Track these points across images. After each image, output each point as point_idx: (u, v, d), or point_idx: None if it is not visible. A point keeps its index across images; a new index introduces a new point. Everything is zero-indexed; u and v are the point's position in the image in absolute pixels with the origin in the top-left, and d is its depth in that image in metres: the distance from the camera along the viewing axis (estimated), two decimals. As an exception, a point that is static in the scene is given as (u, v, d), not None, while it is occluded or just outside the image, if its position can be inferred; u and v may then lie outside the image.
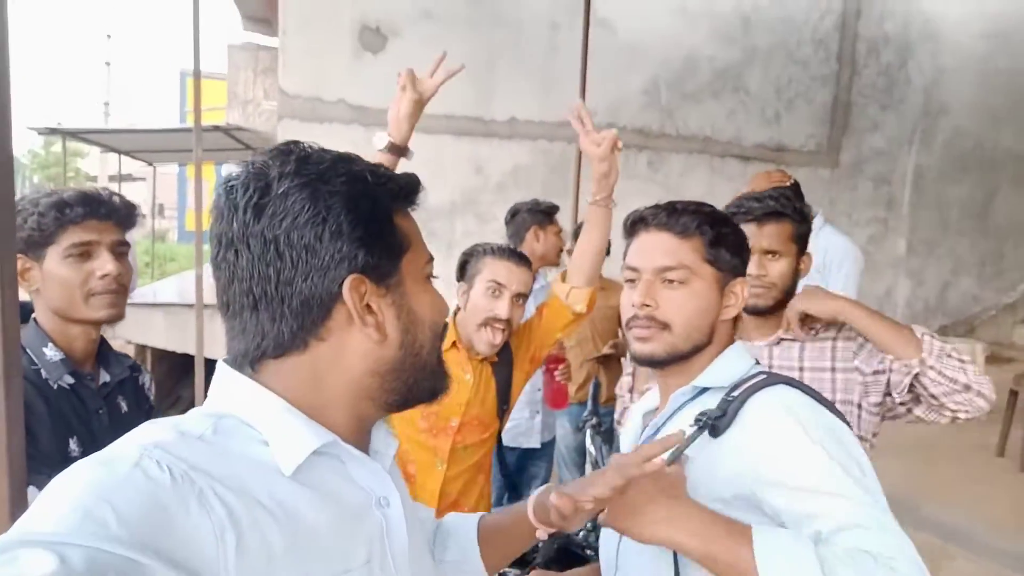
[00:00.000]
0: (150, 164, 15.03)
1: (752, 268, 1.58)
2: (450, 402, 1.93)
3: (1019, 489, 3.83)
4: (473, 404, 1.97)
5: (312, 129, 6.19)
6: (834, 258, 3.26)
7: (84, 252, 1.43)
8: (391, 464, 0.85)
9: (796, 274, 1.72)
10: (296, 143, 0.77)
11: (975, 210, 8.14)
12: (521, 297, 2.00)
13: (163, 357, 5.92)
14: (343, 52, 6.21)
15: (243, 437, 0.71)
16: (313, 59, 6.23)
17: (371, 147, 6.36)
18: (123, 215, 1.49)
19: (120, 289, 1.47)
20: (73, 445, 1.40)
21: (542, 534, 1.03)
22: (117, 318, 1.48)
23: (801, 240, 1.73)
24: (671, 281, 1.18)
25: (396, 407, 0.82)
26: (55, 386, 1.41)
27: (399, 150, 1.87)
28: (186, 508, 0.61)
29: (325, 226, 0.72)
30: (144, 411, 1.62)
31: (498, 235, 3.50)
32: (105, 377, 1.52)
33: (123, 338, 5.98)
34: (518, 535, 1.08)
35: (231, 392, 0.75)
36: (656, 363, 1.22)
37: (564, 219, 5.74)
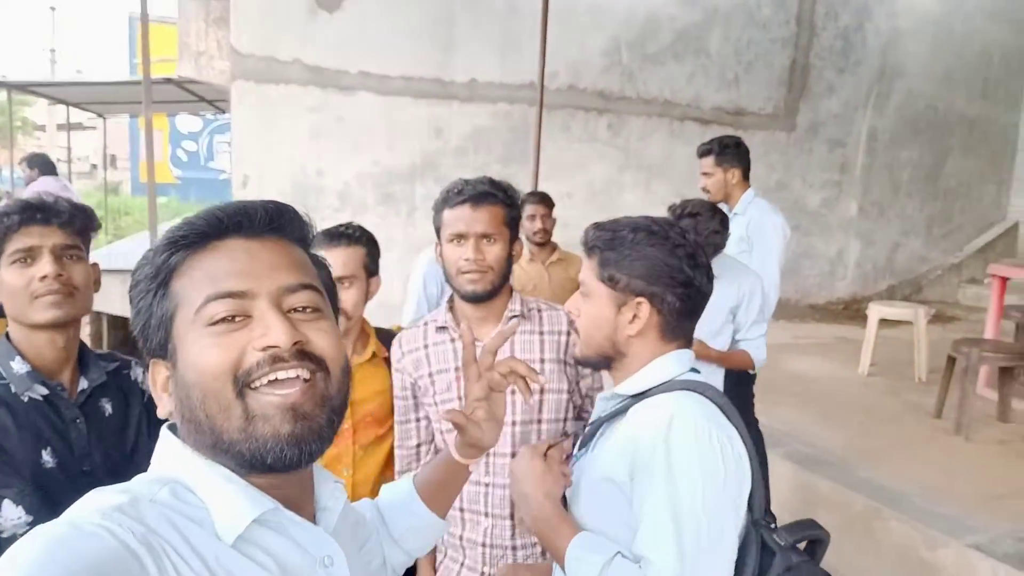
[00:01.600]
0: (100, 116, 14.55)
1: (469, 252, 1.69)
2: None
3: (953, 451, 4.03)
4: (361, 403, 1.97)
5: (267, 90, 6.08)
6: (756, 231, 3.42)
7: (26, 257, 1.44)
8: (341, 511, 0.86)
9: (510, 259, 1.76)
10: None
11: (925, 172, 8.35)
12: (345, 280, 1.97)
13: (120, 325, 5.86)
14: (298, 9, 6.06)
15: (188, 503, 0.72)
16: (267, 16, 6.07)
17: (330, 110, 6.22)
18: (67, 219, 1.48)
19: (64, 290, 1.45)
20: (47, 456, 1.41)
21: (474, 466, 1.17)
22: (64, 319, 1.46)
23: (513, 224, 1.75)
24: (583, 295, 1.35)
25: (247, 471, 0.75)
26: (25, 398, 1.42)
27: None
28: (146, 571, 0.63)
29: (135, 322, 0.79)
30: (138, 405, 1.61)
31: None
32: (83, 384, 1.51)
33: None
34: (455, 479, 1.16)
35: (174, 459, 0.76)
36: (577, 363, 1.46)
37: (524, 183, 5.79)
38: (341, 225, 1.97)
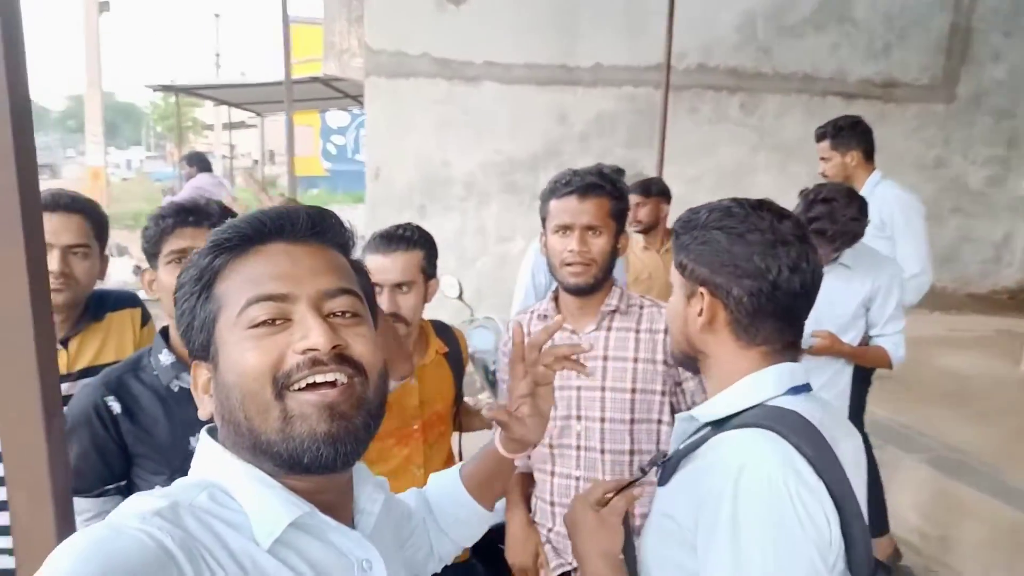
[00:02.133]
0: (258, 114, 15.66)
1: (573, 244, 1.68)
2: (405, 408, 1.91)
3: None
4: (429, 403, 1.96)
5: (397, 84, 6.29)
6: (893, 212, 3.15)
7: (180, 258, 1.52)
8: (378, 514, 0.86)
9: (615, 252, 1.75)
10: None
11: (1113, 144, 7.36)
12: (404, 286, 1.88)
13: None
14: (426, 4, 6.21)
15: (227, 507, 0.73)
16: (397, 13, 6.27)
17: (456, 101, 6.36)
18: (217, 220, 1.55)
19: None
20: (194, 443, 1.50)
21: (519, 462, 1.14)
22: None
23: (620, 217, 1.74)
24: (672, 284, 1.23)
25: (285, 473, 0.76)
26: (176, 388, 1.51)
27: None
28: (184, 573, 0.64)
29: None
30: None
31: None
32: None
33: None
34: (500, 473, 1.14)
35: (213, 463, 0.78)
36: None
37: (648, 167, 5.67)
38: (399, 227, 1.92)
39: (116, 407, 1.47)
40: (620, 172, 3.48)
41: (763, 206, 1.15)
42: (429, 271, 1.94)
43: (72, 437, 1.43)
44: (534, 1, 6.23)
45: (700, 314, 1.13)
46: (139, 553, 0.62)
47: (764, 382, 1.10)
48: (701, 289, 1.13)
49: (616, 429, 1.74)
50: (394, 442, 1.92)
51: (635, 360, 1.75)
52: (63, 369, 1.76)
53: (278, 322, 0.74)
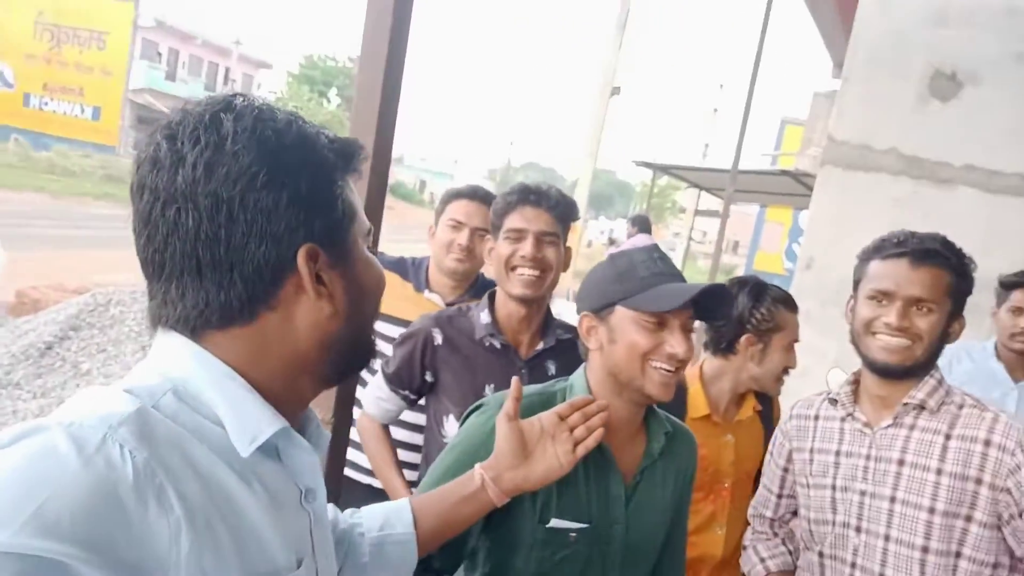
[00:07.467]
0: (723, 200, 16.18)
1: (892, 317, 1.46)
2: (720, 464, 1.91)
3: None
4: (741, 461, 1.96)
5: (853, 178, 5.97)
6: None
7: (515, 238, 1.72)
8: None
9: (944, 337, 1.49)
10: (242, 95, 0.71)
11: None
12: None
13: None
14: (905, 99, 5.80)
15: (198, 412, 0.68)
16: (870, 106, 5.98)
17: (918, 203, 5.76)
18: (552, 204, 1.72)
19: (536, 267, 1.70)
20: (488, 391, 1.72)
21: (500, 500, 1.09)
22: (532, 299, 1.73)
23: (959, 298, 1.49)
24: None
25: (331, 381, 0.78)
26: (487, 344, 1.77)
27: None
28: (145, 506, 0.59)
29: (284, 191, 0.68)
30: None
31: None
32: (539, 345, 1.80)
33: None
34: (477, 503, 1.09)
35: (179, 359, 0.70)
36: None
37: None
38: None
39: (439, 338, 1.78)
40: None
41: None
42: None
43: (403, 344, 1.83)
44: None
45: None
46: (93, 495, 0.56)
47: None
48: None
49: (902, 554, 1.44)
50: (702, 496, 1.92)
51: (939, 472, 1.43)
52: None
53: None
